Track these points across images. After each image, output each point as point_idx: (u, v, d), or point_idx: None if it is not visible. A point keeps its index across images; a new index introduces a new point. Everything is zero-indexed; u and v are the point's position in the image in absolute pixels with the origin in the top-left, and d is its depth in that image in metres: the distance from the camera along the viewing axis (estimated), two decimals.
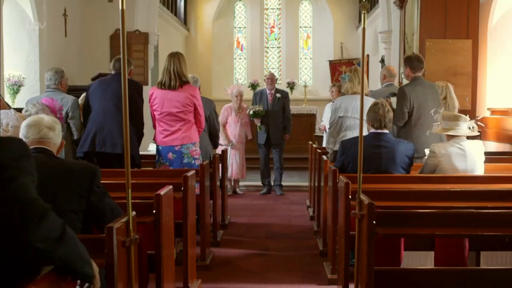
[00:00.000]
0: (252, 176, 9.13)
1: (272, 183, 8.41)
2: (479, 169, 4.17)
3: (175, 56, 4.73)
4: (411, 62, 5.26)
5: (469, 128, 4.15)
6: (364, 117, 4.10)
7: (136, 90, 4.82)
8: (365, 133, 3.89)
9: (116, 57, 5.18)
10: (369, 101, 4.54)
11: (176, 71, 4.68)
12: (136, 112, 4.77)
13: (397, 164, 4.12)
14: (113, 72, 5.10)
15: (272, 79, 8.24)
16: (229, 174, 7.90)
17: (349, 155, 4.20)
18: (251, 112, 8.02)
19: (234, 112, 8.07)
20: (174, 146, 4.75)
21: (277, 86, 8.50)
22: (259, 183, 8.52)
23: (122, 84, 2.24)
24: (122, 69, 2.21)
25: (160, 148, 4.83)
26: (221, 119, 7.86)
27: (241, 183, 8.58)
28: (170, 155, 4.77)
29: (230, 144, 7.96)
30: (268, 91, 8.16)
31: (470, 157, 4.10)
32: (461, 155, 4.07)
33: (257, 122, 8.10)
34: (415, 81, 5.19)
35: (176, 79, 4.68)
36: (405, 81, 5.96)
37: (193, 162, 4.78)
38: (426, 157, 4.27)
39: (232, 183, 8.31)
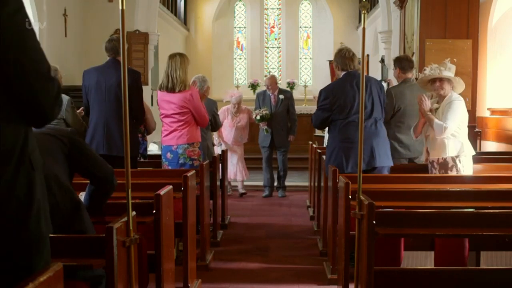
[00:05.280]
0: (252, 176, 9.09)
1: (275, 185, 8.22)
2: None
3: (173, 58, 4.78)
4: (401, 62, 5.25)
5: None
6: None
7: (134, 80, 4.72)
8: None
9: (110, 37, 4.95)
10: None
11: (172, 73, 4.73)
12: (135, 103, 4.70)
13: (373, 91, 4.44)
14: (108, 56, 4.85)
15: (271, 83, 7.95)
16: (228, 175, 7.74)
17: (332, 100, 4.46)
18: (257, 118, 7.79)
19: (230, 116, 7.88)
20: (171, 146, 4.81)
21: (279, 86, 8.24)
22: (259, 183, 8.48)
23: (122, 86, 2.24)
24: (122, 76, 2.21)
25: (163, 147, 4.93)
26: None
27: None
28: (168, 154, 4.84)
29: (220, 144, 7.73)
30: (270, 93, 7.94)
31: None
32: None
33: (264, 125, 7.87)
34: (404, 84, 5.17)
35: (173, 81, 4.72)
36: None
37: (190, 162, 4.79)
38: (454, 104, 4.31)
39: (232, 184, 8.19)
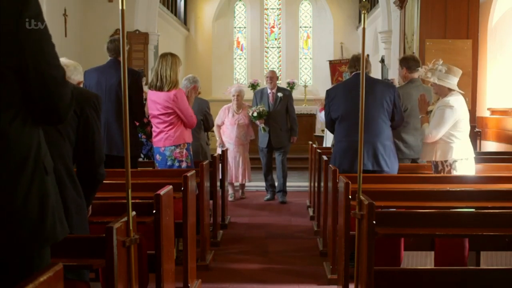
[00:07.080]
0: (252, 176, 9.06)
1: (276, 188, 7.98)
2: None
3: (164, 57, 4.72)
4: (407, 62, 5.23)
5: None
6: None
7: (135, 81, 4.73)
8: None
9: (111, 38, 4.95)
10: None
11: (161, 72, 4.67)
12: (136, 103, 4.71)
13: (377, 98, 4.38)
14: (109, 56, 4.88)
15: (272, 77, 7.64)
16: (229, 177, 7.51)
17: (335, 101, 4.49)
18: (254, 114, 7.42)
19: (231, 114, 7.59)
20: (159, 148, 4.76)
21: (278, 85, 7.87)
22: (260, 184, 8.44)
23: (122, 86, 2.24)
24: (122, 76, 2.21)
25: (154, 148, 4.90)
26: (217, 120, 7.53)
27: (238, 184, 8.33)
28: (157, 156, 4.80)
29: (220, 145, 7.53)
30: (269, 90, 7.62)
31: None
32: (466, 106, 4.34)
33: (261, 123, 7.50)
34: (411, 84, 5.16)
35: (162, 80, 4.66)
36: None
37: (177, 164, 4.75)
38: (443, 111, 4.20)
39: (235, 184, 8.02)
